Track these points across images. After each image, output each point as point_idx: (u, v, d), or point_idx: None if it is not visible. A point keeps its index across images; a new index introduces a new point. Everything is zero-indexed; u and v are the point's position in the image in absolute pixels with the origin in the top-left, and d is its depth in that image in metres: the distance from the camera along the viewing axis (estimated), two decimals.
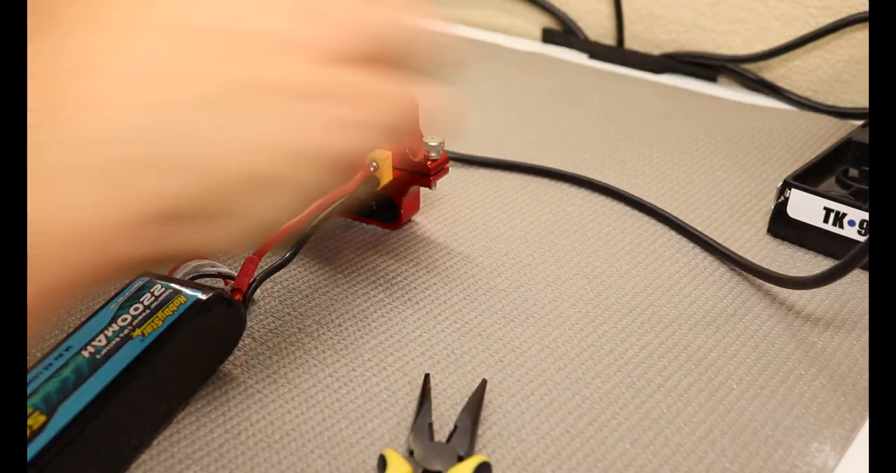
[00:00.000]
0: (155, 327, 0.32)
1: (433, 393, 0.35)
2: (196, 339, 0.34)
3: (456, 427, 0.32)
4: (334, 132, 0.26)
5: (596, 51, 0.77)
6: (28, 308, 0.23)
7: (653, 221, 0.49)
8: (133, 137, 0.23)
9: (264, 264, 0.39)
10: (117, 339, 0.31)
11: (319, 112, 0.25)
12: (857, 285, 0.43)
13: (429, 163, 0.43)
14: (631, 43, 0.78)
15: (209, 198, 0.24)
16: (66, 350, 0.31)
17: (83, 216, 0.23)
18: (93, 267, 0.23)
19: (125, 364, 0.31)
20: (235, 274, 0.38)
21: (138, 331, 0.32)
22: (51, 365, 0.30)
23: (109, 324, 0.32)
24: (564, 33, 0.81)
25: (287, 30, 0.25)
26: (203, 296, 0.33)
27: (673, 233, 0.48)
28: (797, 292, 0.42)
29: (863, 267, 0.44)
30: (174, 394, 0.34)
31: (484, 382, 0.35)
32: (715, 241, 0.46)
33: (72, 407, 0.29)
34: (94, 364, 0.31)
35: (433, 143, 0.43)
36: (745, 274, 0.44)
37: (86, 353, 0.31)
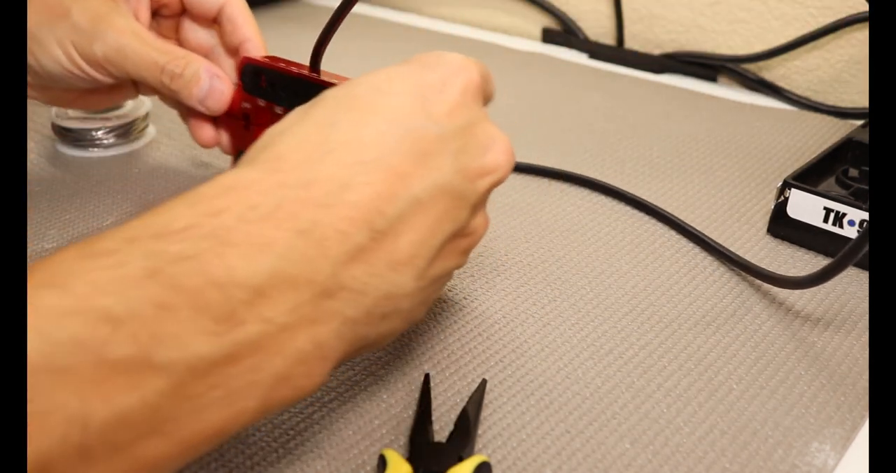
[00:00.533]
0: None
1: (433, 393, 0.35)
2: None
3: (456, 427, 0.32)
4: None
5: (596, 51, 0.77)
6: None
7: (653, 221, 0.49)
8: (397, 292, 0.28)
9: None
10: None
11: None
12: (856, 285, 0.43)
13: None
14: (631, 43, 0.78)
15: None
16: None
17: (323, 346, 0.27)
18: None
19: None
20: None
21: None
22: None
23: None
24: (564, 33, 0.81)
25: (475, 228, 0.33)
26: None
27: (673, 232, 0.48)
28: (797, 292, 0.42)
29: (863, 267, 0.44)
30: None
31: (484, 382, 0.35)
32: (714, 241, 0.46)
33: None
34: None
35: None
36: (744, 274, 0.44)
37: None
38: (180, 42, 0.50)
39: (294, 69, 0.43)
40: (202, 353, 0.23)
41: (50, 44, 0.43)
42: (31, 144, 0.56)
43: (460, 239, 0.32)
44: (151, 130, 0.58)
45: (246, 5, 0.48)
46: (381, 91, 0.30)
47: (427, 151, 0.29)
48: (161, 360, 0.23)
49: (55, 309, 0.22)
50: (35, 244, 0.45)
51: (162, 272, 0.23)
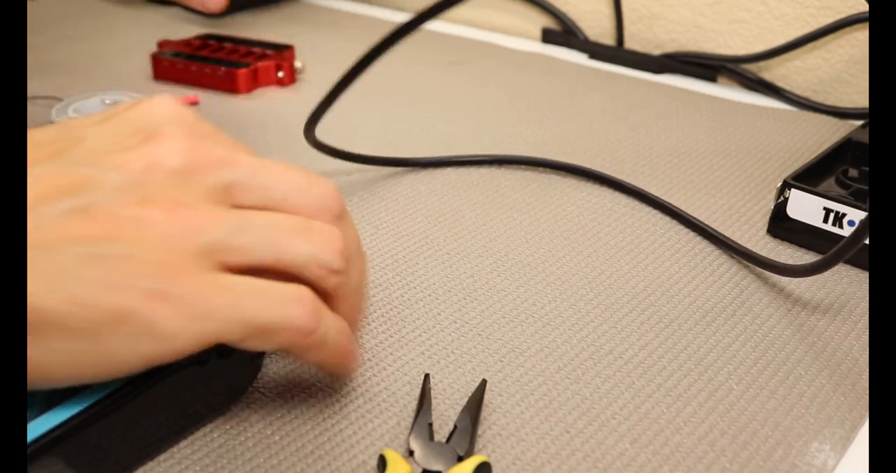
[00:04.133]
0: None
1: (433, 393, 0.35)
2: (188, 382, 0.31)
3: (456, 427, 0.32)
4: None
5: (596, 51, 0.77)
6: None
7: (655, 213, 0.49)
8: None
9: None
10: None
11: None
12: (857, 284, 0.43)
13: None
14: (631, 43, 0.78)
15: None
16: None
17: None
18: None
19: (93, 399, 0.28)
20: None
21: None
22: None
23: None
24: (564, 33, 0.81)
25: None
26: None
27: (675, 223, 0.48)
28: (797, 292, 0.42)
29: (863, 267, 0.44)
30: (151, 436, 0.31)
31: (484, 382, 0.35)
32: (714, 229, 0.46)
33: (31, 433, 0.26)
34: (63, 391, 0.28)
35: None
36: (745, 264, 0.44)
37: None
38: None
39: None
40: None
41: None
42: None
43: None
44: None
45: None
46: None
47: None
48: None
49: None
50: None
51: None
